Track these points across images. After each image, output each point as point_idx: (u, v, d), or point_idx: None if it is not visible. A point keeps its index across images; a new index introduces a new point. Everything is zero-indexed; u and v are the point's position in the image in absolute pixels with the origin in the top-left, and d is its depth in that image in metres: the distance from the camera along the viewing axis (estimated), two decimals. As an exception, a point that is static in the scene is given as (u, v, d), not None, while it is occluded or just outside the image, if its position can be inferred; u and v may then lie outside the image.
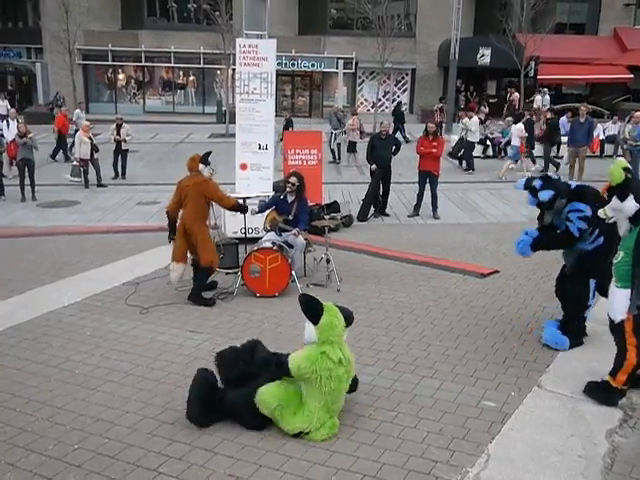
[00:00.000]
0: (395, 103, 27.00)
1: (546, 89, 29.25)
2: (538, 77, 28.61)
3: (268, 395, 4.89)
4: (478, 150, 20.59)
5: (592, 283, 6.38)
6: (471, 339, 6.68)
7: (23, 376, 5.93)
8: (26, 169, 14.45)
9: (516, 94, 27.83)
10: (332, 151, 19.53)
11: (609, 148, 20.38)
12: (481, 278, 8.74)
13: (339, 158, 19.55)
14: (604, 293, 6.35)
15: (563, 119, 20.75)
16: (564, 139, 18.04)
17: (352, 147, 18.98)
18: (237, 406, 5.01)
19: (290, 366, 4.87)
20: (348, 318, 5.13)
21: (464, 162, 18.43)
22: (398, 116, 23.65)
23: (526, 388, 5.58)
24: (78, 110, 20.72)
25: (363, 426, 5.01)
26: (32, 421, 5.13)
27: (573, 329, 6.45)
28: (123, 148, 16.79)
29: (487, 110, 23.32)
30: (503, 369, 5.96)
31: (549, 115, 19.21)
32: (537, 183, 6.34)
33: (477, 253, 10.04)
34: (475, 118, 18.70)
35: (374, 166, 12.61)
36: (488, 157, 20.43)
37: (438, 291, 8.22)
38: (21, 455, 4.67)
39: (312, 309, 4.95)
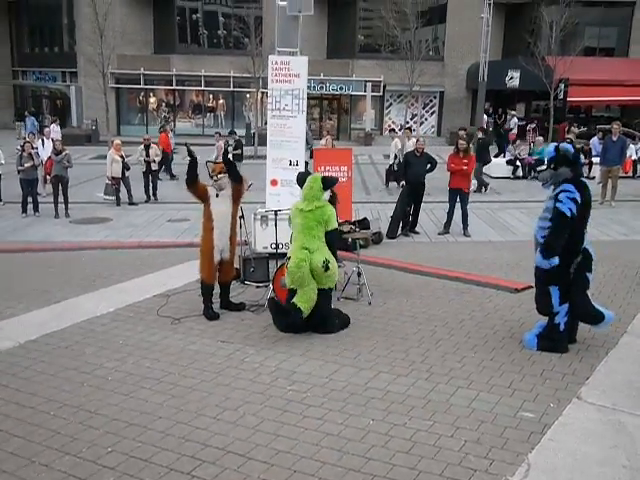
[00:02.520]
0: (500, 121, 27.25)
1: (514, 112, 29.33)
2: (568, 99, 28.44)
3: None
4: (507, 171, 20.51)
5: (555, 291, 6.40)
6: (506, 351, 6.56)
7: (57, 381, 5.96)
8: (60, 186, 14.70)
9: (484, 117, 27.96)
10: None
11: (642, 169, 20.12)
12: (515, 293, 8.61)
13: None
14: (578, 305, 6.44)
15: (594, 139, 20.62)
16: (596, 159, 17.88)
17: None
18: None
19: None
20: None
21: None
22: (500, 135, 23.50)
23: (565, 400, 5.44)
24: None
25: (398, 434, 4.92)
26: (66, 424, 5.14)
27: (547, 335, 6.54)
28: (153, 169, 16.91)
29: (577, 131, 23.15)
30: (541, 381, 5.83)
31: (480, 135, 18.80)
32: (568, 146, 6.58)
33: (509, 269, 9.90)
34: (413, 139, 18.40)
35: (403, 182, 12.63)
36: (518, 178, 20.29)
37: (471, 305, 8.11)
38: (55, 457, 4.66)
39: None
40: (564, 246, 6.33)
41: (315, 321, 7.09)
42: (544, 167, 6.72)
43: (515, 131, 28.19)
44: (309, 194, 7.09)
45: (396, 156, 18.19)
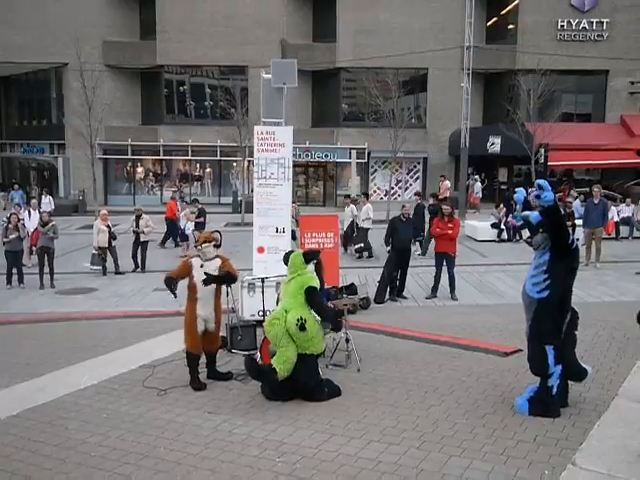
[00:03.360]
0: (509, 191, 27.69)
1: (477, 176, 29.76)
2: (549, 163, 29.06)
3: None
4: (492, 234, 20.69)
5: (550, 350, 6.34)
6: (498, 417, 6.46)
7: (38, 459, 5.77)
8: (45, 257, 14.65)
9: (446, 182, 28.42)
10: None
11: (624, 230, 20.39)
12: (504, 357, 8.54)
13: None
14: (567, 364, 6.40)
15: (576, 202, 20.98)
16: (579, 222, 18.13)
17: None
18: None
19: None
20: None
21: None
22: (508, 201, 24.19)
23: (560, 466, 5.33)
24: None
25: (391, 507, 4.78)
26: (46, 504, 4.96)
27: (539, 399, 6.42)
28: (142, 240, 16.64)
29: (576, 194, 23.70)
30: (534, 447, 5.72)
31: (431, 201, 18.45)
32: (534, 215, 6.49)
33: (498, 333, 9.86)
34: (368, 205, 18.57)
35: (388, 248, 12.73)
36: (503, 241, 20.46)
37: (461, 370, 8.03)
38: (34, 539, 4.48)
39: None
40: (557, 304, 6.34)
41: (297, 387, 7.01)
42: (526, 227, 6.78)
43: (480, 195, 28.66)
44: (291, 269, 7.31)
45: (353, 222, 18.31)
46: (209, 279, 7.48)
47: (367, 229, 18.14)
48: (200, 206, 19.46)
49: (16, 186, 30.79)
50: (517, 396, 6.75)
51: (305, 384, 7.01)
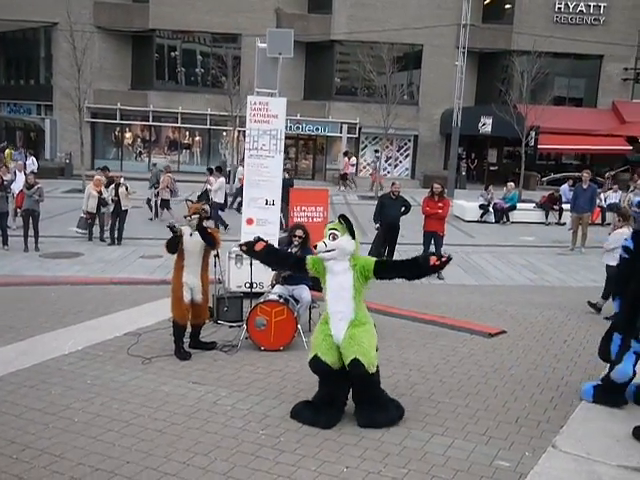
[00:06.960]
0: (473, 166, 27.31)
1: (378, 154, 30.19)
2: (538, 146, 29.09)
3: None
4: (476, 214, 20.70)
5: (617, 338, 6.29)
6: (481, 397, 6.53)
7: (21, 423, 5.75)
8: (30, 220, 14.48)
9: (346, 159, 28.44)
10: (149, 207, 19.73)
11: (610, 216, 20.48)
12: (488, 338, 8.61)
13: (156, 214, 19.41)
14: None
15: (564, 187, 21.05)
16: (566, 206, 18.23)
17: (164, 204, 18.95)
18: None
19: None
20: None
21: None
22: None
23: (540, 448, 5.40)
24: (241, 168, 22.00)
25: (373, 483, 4.83)
26: (29, 469, 4.95)
27: (603, 386, 6.36)
28: (123, 208, 15.57)
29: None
30: (516, 428, 5.79)
31: (286, 175, 17.82)
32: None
33: (482, 313, 9.93)
34: (221, 179, 18.40)
35: (377, 225, 12.72)
36: (487, 222, 20.44)
37: (446, 349, 8.09)
38: (16, 503, 4.48)
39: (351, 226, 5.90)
40: (630, 300, 6.26)
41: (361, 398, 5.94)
42: None
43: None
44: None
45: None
46: (200, 226, 7.57)
47: (219, 203, 18.09)
48: (110, 174, 18.30)
49: (19, 146, 30.15)
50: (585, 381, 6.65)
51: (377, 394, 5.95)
